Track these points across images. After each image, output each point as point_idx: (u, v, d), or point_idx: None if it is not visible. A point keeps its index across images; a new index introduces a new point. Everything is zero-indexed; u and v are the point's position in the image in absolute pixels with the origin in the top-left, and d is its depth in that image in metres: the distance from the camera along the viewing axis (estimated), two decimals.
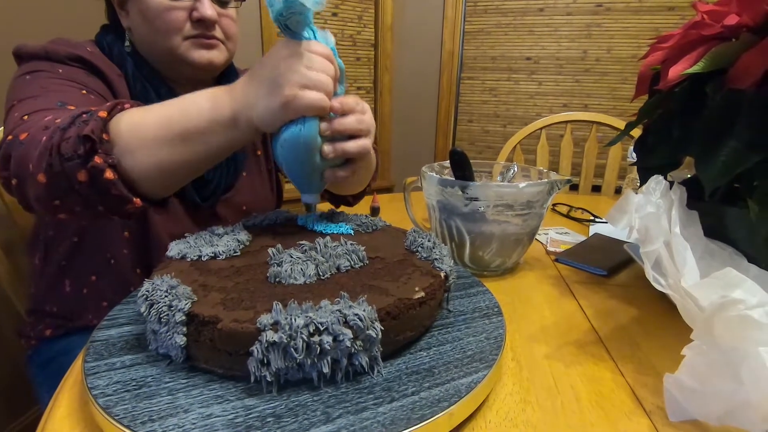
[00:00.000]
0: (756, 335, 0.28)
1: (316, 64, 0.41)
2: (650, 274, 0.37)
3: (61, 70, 0.54)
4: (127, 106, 0.44)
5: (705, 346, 0.30)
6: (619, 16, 1.82)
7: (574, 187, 1.37)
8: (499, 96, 2.04)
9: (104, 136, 0.40)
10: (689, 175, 0.50)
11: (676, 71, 0.42)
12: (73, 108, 0.48)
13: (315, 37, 0.43)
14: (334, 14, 1.87)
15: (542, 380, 0.37)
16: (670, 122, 0.45)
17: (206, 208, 0.68)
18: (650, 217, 0.37)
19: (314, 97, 0.41)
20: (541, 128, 1.27)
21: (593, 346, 0.42)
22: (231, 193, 0.70)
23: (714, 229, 0.44)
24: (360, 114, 0.45)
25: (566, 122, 1.28)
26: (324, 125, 0.43)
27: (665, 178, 0.49)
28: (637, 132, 0.54)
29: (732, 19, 0.38)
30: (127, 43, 0.61)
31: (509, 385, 0.36)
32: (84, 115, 0.41)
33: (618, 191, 1.34)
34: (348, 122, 0.44)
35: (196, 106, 0.43)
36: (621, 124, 1.21)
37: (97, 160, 0.39)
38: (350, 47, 1.95)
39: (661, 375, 0.33)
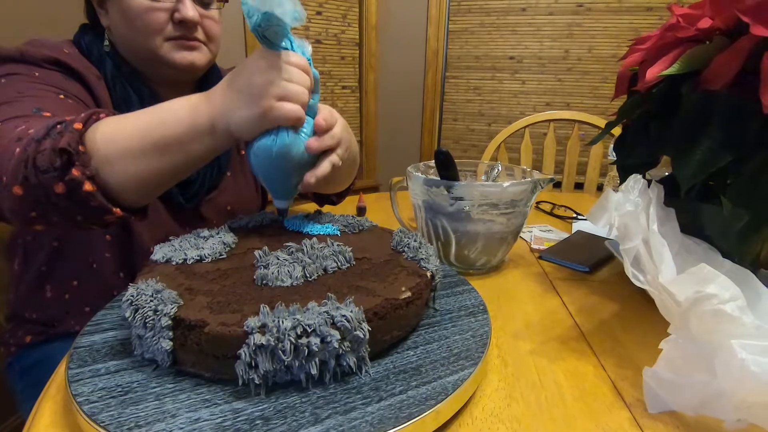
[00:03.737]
0: (728, 328, 0.29)
1: (293, 76, 0.42)
2: (629, 270, 0.38)
3: (37, 74, 0.52)
4: (102, 115, 0.43)
5: (681, 339, 0.31)
6: (599, 16, 1.85)
7: (557, 185, 1.40)
8: (483, 95, 2.06)
9: (80, 148, 0.40)
10: (666, 173, 0.52)
11: (653, 72, 0.43)
12: (48, 115, 0.47)
13: (292, 47, 0.44)
14: (318, 13, 1.86)
15: (527, 376, 0.38)
16: (647, 122, 0.46)
17: (190, 208, 0.67)
18: (629, 215, 0.39)
19: (291, 108, 0.42)
20: (524, 127, 1.29)
21: (576, 342, 0.43)
22: (215, 193, 0.70)
23: (690, 226, 0.46)
24: (330, 129, 0.47)
25: (549, 121, 1.30)
26: (301, 149, 0.45)
27: (644, 177, 0.50)
28: (617, 131, 0.55)
29: (705, 23, 0.40)
30: (106, 43, 0.60)
31: (495, 381, 0.37)
32: (59, 126, 0.40)
33: (600, 188, 1.37)
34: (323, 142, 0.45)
35: (173, 114, 0.43)
36: (602, 123, 1.24)
37: (75, 172, 0.39)
38: (335, 46, 1.95)
39: (640, 368, 0.34)
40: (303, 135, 0.45)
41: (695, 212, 0.46)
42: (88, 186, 0.40)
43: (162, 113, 0.43)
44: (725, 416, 0.31)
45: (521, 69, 1.98)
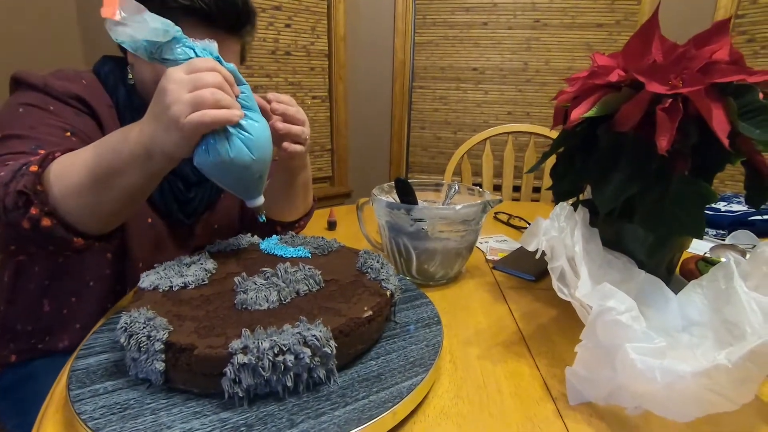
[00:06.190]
0: (624, 334, 0.36)
1: (200, 81, 0.42)
2: (556, 285, 0.45)
3: (52, 108, 0.56)
4: (57, 155, 0.47)
5: (590, 343, 0.38)
6: (555, 31, 1.97)
7: (516, 188, 1.49)
8: (449, 104, 2.15)
9: (39, 187, 0.44)
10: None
11: (576, 114, 0.50)
12: (42, 152, 0.51)
13: (196, 53, 0.45)
14: (288, 26, 1.90)
15: (473, 378, 0.44)
16: (573, 155, 0.54)
17: (187, 225, 0.71)
18: (555, 239, 0.46)
19: (209, 115, 0.41)
20: (485, 139, 1.37)
21: (517, 346, 0.50)
22: (209, 212, 0.74)
23: (613, 241, 0.54)
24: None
25: (507, 133, 1.39)
26: (240, 146, 0.45)
27: (578, 198, 0.58)
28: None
29: (614, 77, 0.47)
30: (130, 76, 0.63)
31: (446, 383, 0.43)
32: (23, 168, 0.45)
33: None
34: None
35: (110, 148, 0.45)
36: (554, 135, 1.33)
37: (33, 211, 0.44)
38: (305, 57, 1.99)
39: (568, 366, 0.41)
40: (239, 132, 0.44)
41: (617, 230, 0.54)
42: (46, 221, 0.44)
43: (100, 147, 0.46)
44: (626, 404, 0.38)
45: (484, 80, 2.08)
